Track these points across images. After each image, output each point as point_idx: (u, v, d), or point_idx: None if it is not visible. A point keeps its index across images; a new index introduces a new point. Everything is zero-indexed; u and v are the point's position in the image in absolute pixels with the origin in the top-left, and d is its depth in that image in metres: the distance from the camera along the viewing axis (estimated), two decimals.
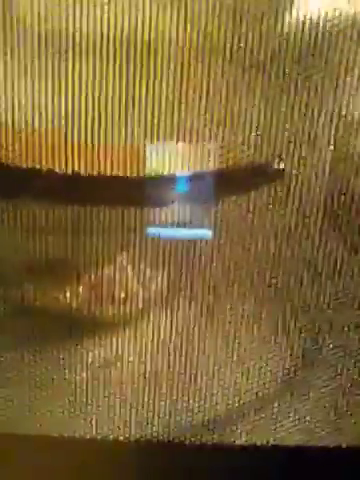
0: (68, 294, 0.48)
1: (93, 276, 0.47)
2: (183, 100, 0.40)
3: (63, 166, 0.42)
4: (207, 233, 0.42)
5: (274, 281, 0.44)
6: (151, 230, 0.43)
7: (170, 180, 0.43)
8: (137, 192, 0.43)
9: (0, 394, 0.45)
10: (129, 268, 0.47)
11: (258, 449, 0.45)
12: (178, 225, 0.43)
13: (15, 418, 0.45)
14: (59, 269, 0.47)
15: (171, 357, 0.46)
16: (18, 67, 0.39)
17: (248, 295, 0.45)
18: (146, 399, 0.46)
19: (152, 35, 0.38)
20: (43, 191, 0.43)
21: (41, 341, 0.45)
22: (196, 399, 0.46)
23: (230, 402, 0.46)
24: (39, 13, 0.38)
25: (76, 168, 0.42)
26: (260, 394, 0.46)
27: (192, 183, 0.43)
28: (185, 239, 0.43)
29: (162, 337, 0.46)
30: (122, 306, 0.48)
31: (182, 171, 0.43)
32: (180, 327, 0.46)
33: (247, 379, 0.46)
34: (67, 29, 0.38)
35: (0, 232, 0.45)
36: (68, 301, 0.48)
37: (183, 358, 0.46)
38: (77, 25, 0.38)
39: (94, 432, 0.45)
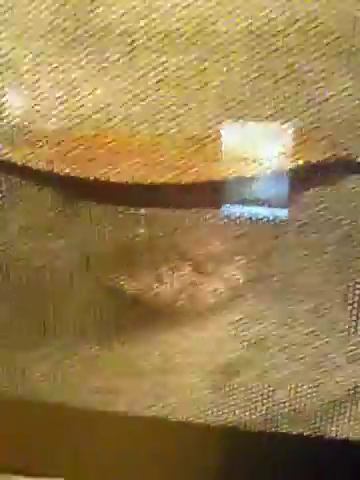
0: (153, 283, 0.49)
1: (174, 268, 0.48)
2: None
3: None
4: (284, 212, 0.40)
5: None
6: (227, 208, 0.42)
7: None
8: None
9: (84, 374, 0.47)
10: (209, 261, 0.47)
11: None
12: (255, 204, 0.42)
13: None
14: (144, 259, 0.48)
15: (265, 344, 0.45)
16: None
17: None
18: (233, 385, 0.45)
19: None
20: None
21: (125, 326, 0.47)
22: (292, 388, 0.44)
23: (327, 395, 0.44)
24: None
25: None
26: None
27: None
28: (263, 219, 0.42)
29: (255, 323, 0.45)
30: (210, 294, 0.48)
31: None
32: (278, 314, 0.44)
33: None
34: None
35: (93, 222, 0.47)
36: (154, 290, 0.49)
37: (279, 345, 0.45)
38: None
39: (177, 415, 0.45)
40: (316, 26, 0.36)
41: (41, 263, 0.48)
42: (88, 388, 0.46)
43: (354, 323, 0.43)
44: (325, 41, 0.36)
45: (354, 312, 0.42)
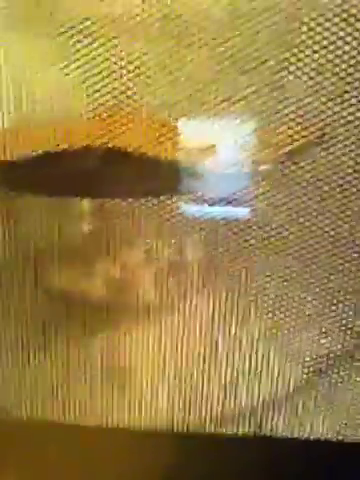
0: (99, 280, 0.47)
1: (126, 260, 0.47)
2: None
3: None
4: (244, 211, 0.41)
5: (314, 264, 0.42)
6: (187, 208, 0.42)
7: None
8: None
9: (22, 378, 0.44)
10: (165, 252, 0.46)
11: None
12: (214, 203, 0.42)
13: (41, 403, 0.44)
14: (87, 254, 0.46)
15: (204, 345, 0.45)
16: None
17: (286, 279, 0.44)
18: (175, 388, 0.44)
19: None
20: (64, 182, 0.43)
21: (66, 326, 0.45)
22: (228, 388, 0.45)
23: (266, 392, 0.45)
24: None
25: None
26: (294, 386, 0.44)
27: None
28: (221, 218, 0.42)
29: (193, 324, 0.45)
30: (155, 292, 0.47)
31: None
32: (215, 314, 0.44)
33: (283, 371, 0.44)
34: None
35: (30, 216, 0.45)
36: (100, 287, 0.47)
37: (217, 345, 0.45)
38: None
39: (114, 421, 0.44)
40: None
41: None
42: (27, 396, 0.43)
43: (296, 325, 0.44)
44: None
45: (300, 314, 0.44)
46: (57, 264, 0.46)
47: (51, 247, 0.46)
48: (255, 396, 0.45)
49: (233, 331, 0.45)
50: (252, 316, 0.44)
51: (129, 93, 0.40)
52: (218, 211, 0.42)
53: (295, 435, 0.43)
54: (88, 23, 0.38)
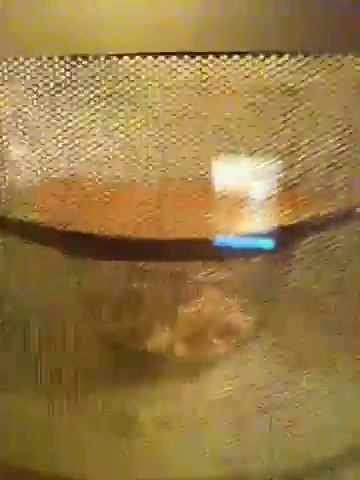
0: (161, 335, 0.48)
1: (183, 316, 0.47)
2: None
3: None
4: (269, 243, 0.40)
5: None
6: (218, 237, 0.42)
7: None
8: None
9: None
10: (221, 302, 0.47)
11: None
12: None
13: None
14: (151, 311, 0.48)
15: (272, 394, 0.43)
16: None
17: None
18: (243, 439, 0.43)
19: None
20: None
21: (130, 378, 0.45)
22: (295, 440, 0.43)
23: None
24: None
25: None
26: None
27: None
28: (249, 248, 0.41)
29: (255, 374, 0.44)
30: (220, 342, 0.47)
31: None
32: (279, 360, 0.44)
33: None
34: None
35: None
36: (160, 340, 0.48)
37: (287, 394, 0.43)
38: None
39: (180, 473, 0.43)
40: None
41: (39, 314, 0.48)
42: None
43: None
44: None
45: None
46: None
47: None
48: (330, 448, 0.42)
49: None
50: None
51: None
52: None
53: None
54: None
